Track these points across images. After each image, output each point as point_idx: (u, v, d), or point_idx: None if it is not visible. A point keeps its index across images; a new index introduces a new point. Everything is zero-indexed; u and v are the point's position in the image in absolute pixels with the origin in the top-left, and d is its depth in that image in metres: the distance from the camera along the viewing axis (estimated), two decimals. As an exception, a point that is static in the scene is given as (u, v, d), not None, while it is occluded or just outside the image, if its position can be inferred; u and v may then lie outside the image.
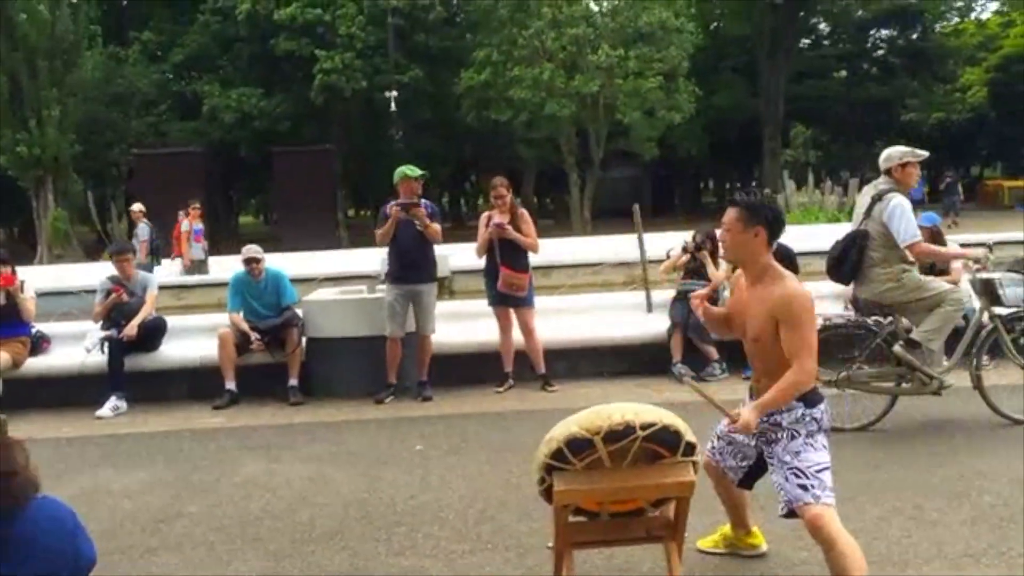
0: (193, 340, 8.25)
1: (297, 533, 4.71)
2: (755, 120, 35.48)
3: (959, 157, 53.35)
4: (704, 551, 4.13)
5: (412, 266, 7.52)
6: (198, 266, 16.13)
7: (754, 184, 38.69)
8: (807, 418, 3.38)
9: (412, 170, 7.46)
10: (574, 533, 3.21)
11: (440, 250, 14.40)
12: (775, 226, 3.46)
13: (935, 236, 7.92)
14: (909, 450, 5.63)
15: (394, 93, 24.15)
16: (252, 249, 7.99)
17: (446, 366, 7.93)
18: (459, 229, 29.16)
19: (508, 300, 7.66)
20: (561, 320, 8.50)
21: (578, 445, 2.99)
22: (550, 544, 3.26)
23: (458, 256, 14.53)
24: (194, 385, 8.02)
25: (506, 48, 23.73)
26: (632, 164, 31.51)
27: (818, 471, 3.32)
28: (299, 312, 7.93)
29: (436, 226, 7.48)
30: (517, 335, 7.80)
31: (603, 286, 12.96)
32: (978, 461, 5.30)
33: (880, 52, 46.93)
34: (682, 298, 8.05)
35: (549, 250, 14.41)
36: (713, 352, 7.79)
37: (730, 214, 3.45)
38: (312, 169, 22.20)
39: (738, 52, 35.40)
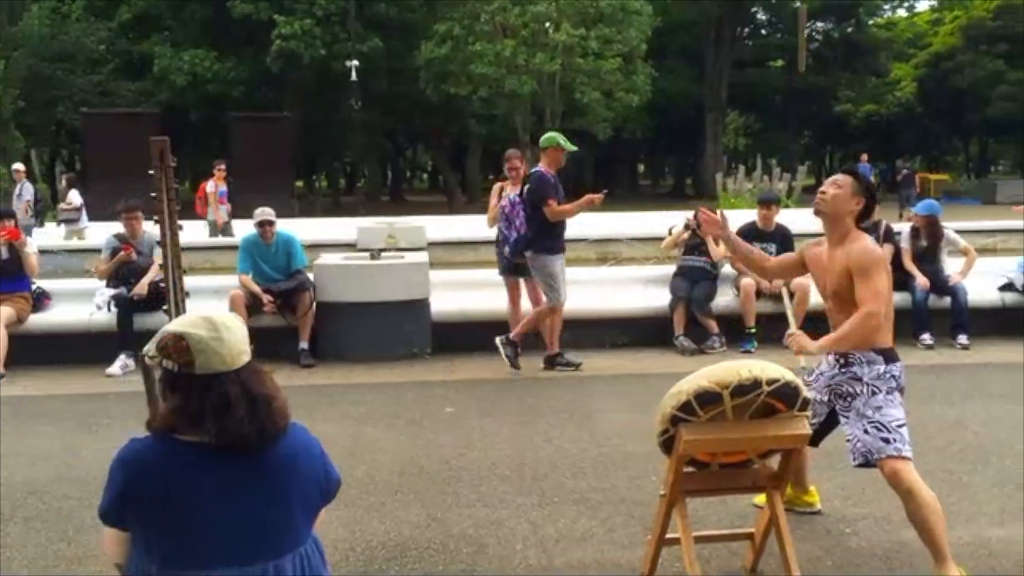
0: (198, 302, 8.22)
1: (361, 488, 4.85)
2: (698, 106, 36.14)
3: (887, 149, 55.10)
4: (759, 506, 4.41)
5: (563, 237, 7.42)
6: (224, 228, 15.98)
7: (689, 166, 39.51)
8: (887, 375, 3.66)
9: (567, 143, 7.35)
10: (688, 482, 3.43)
11: (415, 221, 14.54)
12: (870, 205, 3.77)
13: (932, 226, 8.35)
14: (920, 422, 5.99)
15: (355, 63, 23.95)
16: (265, 212, 8.02)
17: (451, 334, 8.10)
18: (399, 203, 29.06)
19: (519, 270, 7.85)
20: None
21: (707, 398, 3.21)
22: (663, 492, 3.47)
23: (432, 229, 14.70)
24: (201, 346, 8.02)
25: (467, 22, 23.73)
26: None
27: (898, 426, 3.60)
28: (310, 276, 8.00)
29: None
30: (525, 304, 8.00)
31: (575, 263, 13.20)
32: (992, 430, 5.68)
33: (816, 44, 48.09)
34: (683, 273, 8.36)
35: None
36: (713, 326, 8.11)
37: (846, 178, 3.77)
38: (269, 137, 21.98)
39: (685, 38, 35.93)
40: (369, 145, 30.36)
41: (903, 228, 8.63)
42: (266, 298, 7.74)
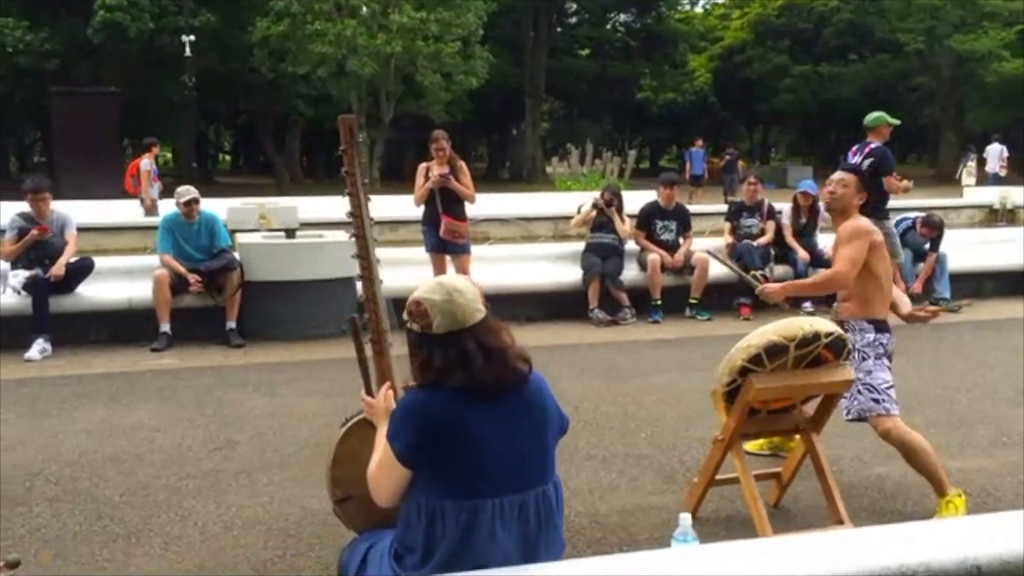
0: (111, 283, 7.95)
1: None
2: (517, 91, 37.03)
3: (682, 135, 58.39)
4: (749, 452, 4.95)
5: None
6: (152, 207, 14.88)
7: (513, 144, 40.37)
8: (876, 343, 4.23)
9: (892, 118, 8.33)
10: (745, 426, 3.90)
11: (286, 201, 14.39)
12: (870, 198, 4.37)
13: (813, 204, 9.23)
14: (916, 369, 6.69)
15: (191, 37, 22.91)
16: (189, 190, 7.85)
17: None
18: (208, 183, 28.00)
19: (447, 247, 8.10)
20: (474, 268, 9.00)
21: (774, 351, 3.67)
22: (720, 436, 3.91)
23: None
24: (117, 328, 7.78)
25: (307, 0, 23.25)
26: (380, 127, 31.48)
27: (887, 388, 4.18)
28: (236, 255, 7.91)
29: None
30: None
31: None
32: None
33: (619, 34, 50.27)
34: (593, 249, 8.87)
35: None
36: (625, 298, 8.67)
37: (851, 177, 4.30)
38: (95, 113, 20.69)
39: (507, 24, 36.69)
40: (190, 125, 29.15)
41: (784, 207, 9.50)
42: (192, 278, 7.60)
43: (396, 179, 27.31)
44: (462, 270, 8.15)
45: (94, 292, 7.77)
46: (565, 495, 2.59)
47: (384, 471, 2.39)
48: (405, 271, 8.17)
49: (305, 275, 7.91)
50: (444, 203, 8.03)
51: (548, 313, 8.78)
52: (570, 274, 8.86)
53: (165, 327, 7.56)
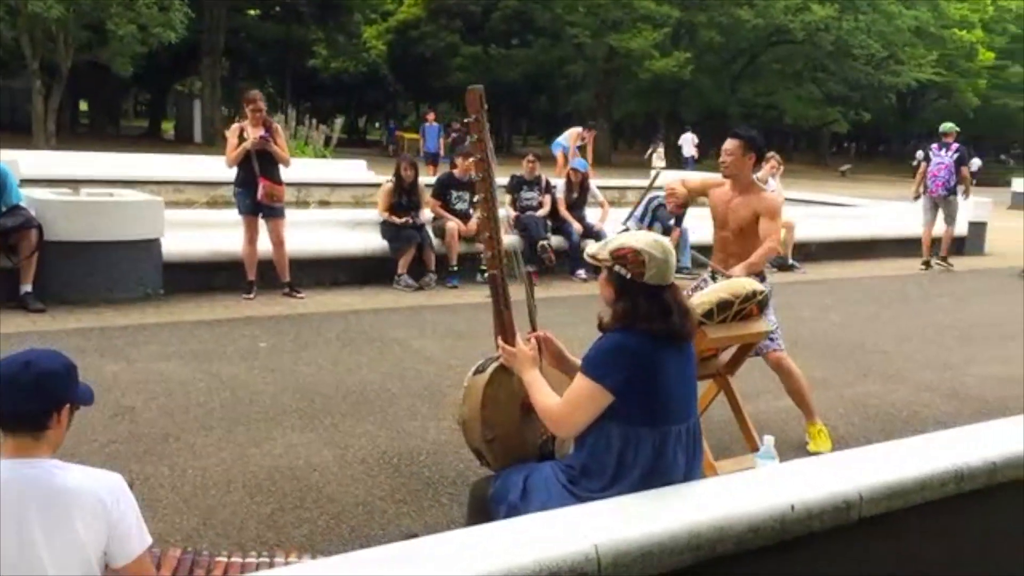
0: None
1: (293, 415, 5.08)
2: (192, 49, 35.13)
3: (356, 106, 58.72)
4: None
5: None
6: None
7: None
8: (769, 290, 5.09)
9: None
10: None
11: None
12: (760, 154, 5.13)
13: (584, 181, 10.12)
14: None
15: None
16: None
17: (179, 274, 7.94)
18: None
19: (262, 210, 7.96)
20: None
21: (724, 306, 4.30)
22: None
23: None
24: None
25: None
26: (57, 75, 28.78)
27: (775, 328, 5.06)
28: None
29: None
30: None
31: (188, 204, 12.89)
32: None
33: (291, -2, 49.16)
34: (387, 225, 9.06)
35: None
36: (430, 264, 9.01)
37: (735, 143, 4.95)
38: None
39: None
40: None
41: (558, 182, 10.32)
42: (-19, 237, 6.86)
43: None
44: (277, 234, 8.05)
45: None
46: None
47: (582, 404, 2.69)
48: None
49: (110, 235, 7.44)
50: (261, 165, 7.87)
51: (352, 278, 8.91)
52: (374, 241, 9.02)
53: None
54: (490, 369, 2.99)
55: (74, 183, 9.58)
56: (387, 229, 8.97)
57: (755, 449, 4.59)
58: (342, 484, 4.21)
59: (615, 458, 2.69)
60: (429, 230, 9.18)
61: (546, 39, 42.99)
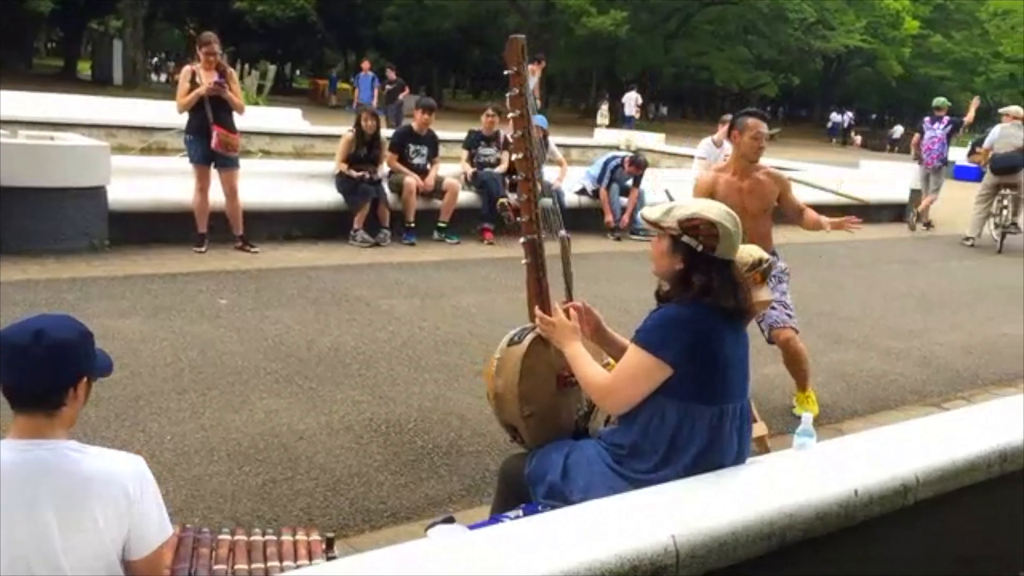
0: None
1: (268, 378, 4.83)
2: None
3: (283, 53, 56.95)
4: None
5: None
6: None
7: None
8: (784, 270, 5.01)
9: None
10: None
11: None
12: None
13: (543, 139, 9.88)
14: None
15: None
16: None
17: (124, 225, 7.53)
18: None
19: (215, 159, 7.57)
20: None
21: (732, 273, 4.22)
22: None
23: None
24: None
25: None
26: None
27: (792, 306, 4.99)
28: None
29: None
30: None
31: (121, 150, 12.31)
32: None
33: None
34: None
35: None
36: (386, 220, 8.73)
37: (764, 127, 4.85)
38: None
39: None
40: None
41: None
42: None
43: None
44: (230, 185, 7.67)
45: None
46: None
47: (638, 379, 2.53)
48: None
49: (54, 181, 6.99)
50: (215, 112, 7.46)
51: (306, 232, 8.58)
52: (328, 194, 8.69)
53: None
54: (527, 340, 2.80)
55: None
56: (343, 183, 8.64)
57: (753, 420, 4.52)
58: (332, 453, 4.00)
59: (669, 436, 2.54)
60: (385, 185, 8.88)
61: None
